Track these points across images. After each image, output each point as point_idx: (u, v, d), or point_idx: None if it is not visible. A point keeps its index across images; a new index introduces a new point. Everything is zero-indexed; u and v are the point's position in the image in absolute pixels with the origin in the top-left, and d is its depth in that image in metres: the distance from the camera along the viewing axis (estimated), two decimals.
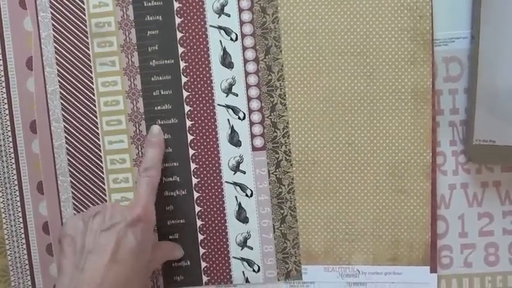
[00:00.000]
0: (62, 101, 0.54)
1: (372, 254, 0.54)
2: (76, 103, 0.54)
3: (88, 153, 0.54)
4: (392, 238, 0.53)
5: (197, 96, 0.53)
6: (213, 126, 0.54)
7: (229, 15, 0.52)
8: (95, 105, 0.54)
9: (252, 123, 0.53)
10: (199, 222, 0.54)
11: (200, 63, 0.53)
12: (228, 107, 0.53)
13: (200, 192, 0.54)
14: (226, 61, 0.53)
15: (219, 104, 0.53)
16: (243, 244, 0.54)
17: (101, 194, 0.55)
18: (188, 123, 0.54)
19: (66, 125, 0.54)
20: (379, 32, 0.51)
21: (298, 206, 0.54)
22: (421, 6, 0.51)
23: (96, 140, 0.54)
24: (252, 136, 0.54)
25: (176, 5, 0.53)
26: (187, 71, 0.53)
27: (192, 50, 0.53)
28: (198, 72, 0.53)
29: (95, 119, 0.54)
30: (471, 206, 0.54)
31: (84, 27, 0.53)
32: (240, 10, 0.52)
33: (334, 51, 0.52)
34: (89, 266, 0.45)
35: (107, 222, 0.47)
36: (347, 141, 0.53)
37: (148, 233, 0.49)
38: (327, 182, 0.53)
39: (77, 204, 0.55)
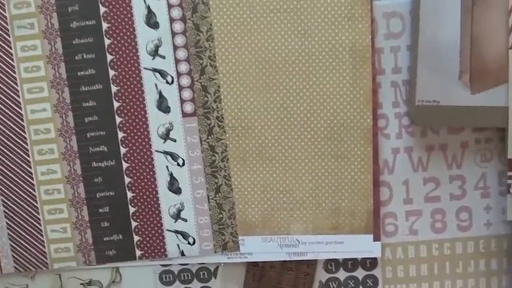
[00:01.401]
0: None
1: (312, 223, 0.51)
2: None
3: (10, 123, 0.51)
4: (332, 206, 0.51)
5: (122, 59, 0.50)
6: (140, 92, 0.50)
7: None
8: (14, 72, 0.50)
9: (181, 88, 0.50)
10: (129, 194, 0.51)
11: (124, 23, 0.49)
12: (155, 70, 0.50)
13: (129, 162, 0.51)
14: (151, 21, 0.49)
15: (145, 68, 0.50)
16: (177, 216, 0.52)
17: (26, 167, 0.51)
18: (114, 88, 0.50)
19: None
20: None
21: (233, 175, 0.51)
22: None
23: (18, 109, 0.51)
24: (182, 101, 0.50)
25: None
26: (111, 32, 0.49)
27: (115, 10, 0.49)
28: (121, 34, 0.49)
29: (15, 86, 0.51)
30: (416, 171, 0.51)
31: None
32: None
33: (266, 8, 0.48)
34: None
35: None
36: (282, 105, 0.49)
37: None
38: (262, 148, 0.50)
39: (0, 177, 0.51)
